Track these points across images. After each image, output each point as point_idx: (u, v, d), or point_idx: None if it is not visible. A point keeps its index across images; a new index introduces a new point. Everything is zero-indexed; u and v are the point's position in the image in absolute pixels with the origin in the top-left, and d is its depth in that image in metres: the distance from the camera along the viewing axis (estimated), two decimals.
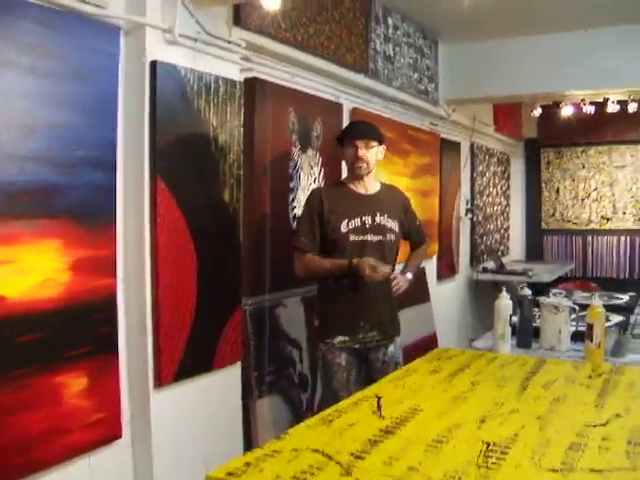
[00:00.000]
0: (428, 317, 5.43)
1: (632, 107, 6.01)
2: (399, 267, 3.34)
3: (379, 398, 2.17)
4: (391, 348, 3.13)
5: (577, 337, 3.11)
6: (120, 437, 2.57)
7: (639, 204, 8.19)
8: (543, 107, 6.82)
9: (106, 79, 2.48)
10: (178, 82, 2.72)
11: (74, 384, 2.34)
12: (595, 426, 1.88)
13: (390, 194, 3.24)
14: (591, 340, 2.84)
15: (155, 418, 2.69)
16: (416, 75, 5.05)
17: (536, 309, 3.34)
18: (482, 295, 6.92)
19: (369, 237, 3.02)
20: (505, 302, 3.01)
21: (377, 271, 2.85)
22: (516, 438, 1.77)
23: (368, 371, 3.10)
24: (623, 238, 8.26)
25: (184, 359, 2.77)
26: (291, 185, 3.64)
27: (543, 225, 8.77)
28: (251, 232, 3.28)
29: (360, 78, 4.26)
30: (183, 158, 2.76)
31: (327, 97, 4.03)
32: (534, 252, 8.80)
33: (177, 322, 2.73)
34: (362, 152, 3.00)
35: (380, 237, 3.05)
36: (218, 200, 2.95)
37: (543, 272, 6.77)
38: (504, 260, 7.35)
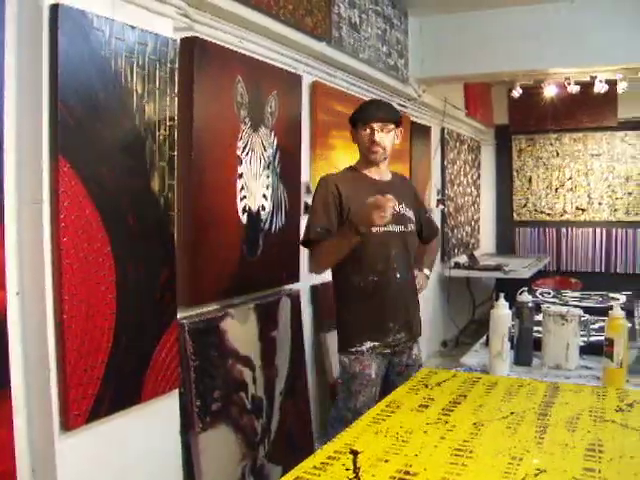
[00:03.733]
0: None
1: (622, 87, 5.54)
2: None
3: (355, 455, 1.60)
4: (415, 350, 2.91)
5: (584, 350, 2.61)
6: None
7: (615, 194, 7.82)
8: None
9: None
10: (90, 35, 2.10)
11: None
12: None
13: (402, 182, 3.01)
14: (611, 359, 2.30)
15: (64, 471, 2.10)
16: (385, 48, 4.49)
17: None
18: (454, 293, 6.50)
19: (391, 227, 2.71)
20: (504, 312, 2.46)
21: (381, 205, 2.43)
22: None
23: (388, 378, 2.84)
24: (599, 230, 7.93)
25: (101, 393, 2.17)
26: (239, 170, 3.04)
27: (515, 216, 8.41)
28: (188, 228, 2.70)
29: (322, 46, 3.69)
30: (96, 135, 2.15)
31: (283, 67, 3.45)
32: (505, 245, 8.46)
33: (90, 347, 2.12)
34: (379, 136, 2.71)
35: (402, 227, 2.78)
36: (144, 189, 2.34)
37: (519, 267, 6.34)
38: (475, 254, 6.90)
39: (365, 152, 2.77)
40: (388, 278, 2.72)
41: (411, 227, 2.83)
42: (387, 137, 2.73)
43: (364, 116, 2.75)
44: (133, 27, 2.25)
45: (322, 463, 1.56)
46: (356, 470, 1.52)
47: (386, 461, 1.56)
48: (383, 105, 2.88)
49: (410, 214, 2.83)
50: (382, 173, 2.83)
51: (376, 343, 2.72)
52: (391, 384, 2.73)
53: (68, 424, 2.08)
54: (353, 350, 2.71)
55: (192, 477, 2.70)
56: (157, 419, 2.49)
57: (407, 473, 1.49)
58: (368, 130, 2.71)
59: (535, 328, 2.65)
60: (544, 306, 2.69)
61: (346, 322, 2.78)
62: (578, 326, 2.56)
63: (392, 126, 2.74)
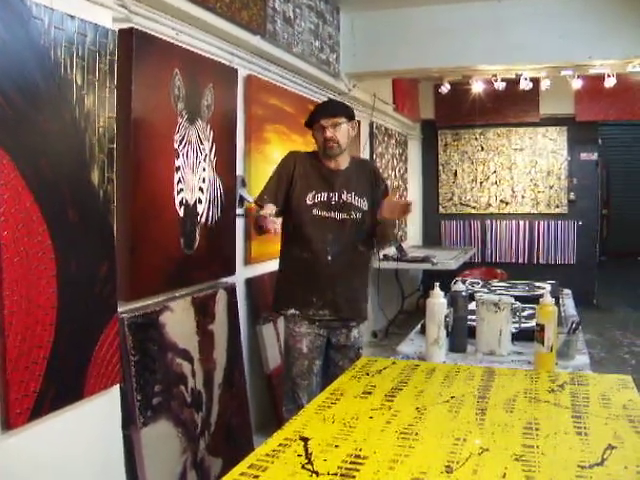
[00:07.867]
0: None
1: (545, 85, 5.73)
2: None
3: (306, 441, 1.63)
4: (354, 332, 3.06)
5: (515, 337, 2.70)
6: None
7: (537, 188, 8.10)
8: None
9: None
10: (29, 23, 2.05)
11: None
12: (591, 467, 1.47)
13: (358, 169, 3.07)
14: (542, 343, 2.41)
15: (5, 472, 2.05)
16: (317, 43, 4.52)
17: None
18: (383, 284, 6.57)
19: (332, 214, 2.92)
20: (439, 300, 2.53)
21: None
22: None
23: (328, 354, 3.04)
24: (522, 222, 8.18)
25: (43, 390, 2.13)
26: (177, 163, 3.01)
27: (441, 209, 8.57)
28: (127, 222, 2.67)
29: (257, 40, 3.68)
30: (35, 126, 2.09)
31: (219, 60, 3.43)
32: (432, 237, 8.60)
33: (31, 343, 2.08)
34: (330, 132, 2.86)
35: (344, 215, 2.93)
36: (84, 182, 2.30)
37: (446, 258, 6.47)
38: (403, 246, 7.00)
39: (322, 150, 2.92)
40: (319, 258, 2.88)
41: (357, 215, 2.94)
42: (339, 132, 2.86)
43: (313, 117, 2.92)
44: (72, 17, 2.21)
45: (274, 450, 1.59)
46: (308, 456, 1.55)
47: (336, 446, 1.60)
48: (329, 103, 3.06)
49: (361, 202, 2.95)
50: (339, 163, 2.96)
51: (298, 312, 2.92)
52: (331, 361, 3.03)
53: (9, 423, 2.02)
54: (280, 313, 3.00)
55: (134, 473, 2.67)
56: (98, 415, 2.45)
57: (358, 457, 1.53)
58: (320, 130, 2.86)
59: (468, 316, 2.74)
60: (477, 295, 2.78)
61: (279, 287, 3.04)
62: (510, 313, 2.66)
63: (342, 120, 2.88)
